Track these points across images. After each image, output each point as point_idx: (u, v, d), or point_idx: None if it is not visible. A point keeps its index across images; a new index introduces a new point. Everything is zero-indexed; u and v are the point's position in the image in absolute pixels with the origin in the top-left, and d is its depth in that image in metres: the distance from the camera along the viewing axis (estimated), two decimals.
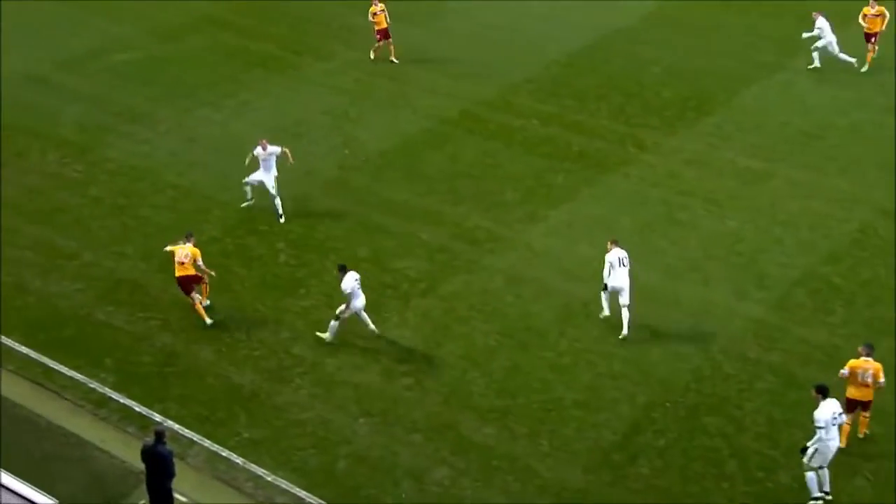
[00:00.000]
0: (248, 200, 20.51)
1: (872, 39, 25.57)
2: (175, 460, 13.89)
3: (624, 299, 17.32)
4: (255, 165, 20.42)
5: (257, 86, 25.67)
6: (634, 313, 17.59)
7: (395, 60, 26.50)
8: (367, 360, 17.19)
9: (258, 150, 20.19)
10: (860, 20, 25.64)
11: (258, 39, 27.89)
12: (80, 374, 16.58)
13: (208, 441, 15.48)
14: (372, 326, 17.39)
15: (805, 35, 25.99)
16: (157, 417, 15.79)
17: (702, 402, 16.35)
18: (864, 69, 25.62)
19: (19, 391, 16.26)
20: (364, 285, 17.69)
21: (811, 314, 18.10)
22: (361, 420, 15.98)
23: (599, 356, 17.29)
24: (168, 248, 17.91)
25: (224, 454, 15.30)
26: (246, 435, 15.64)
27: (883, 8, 25.37)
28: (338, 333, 17.26)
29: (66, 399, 16.15)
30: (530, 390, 16.62)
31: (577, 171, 22.51)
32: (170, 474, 13.74)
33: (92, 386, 16.39)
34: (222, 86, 25.57)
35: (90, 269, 19.00)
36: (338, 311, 17.29)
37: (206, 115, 24.36)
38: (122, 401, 16.14)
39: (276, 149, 20.22)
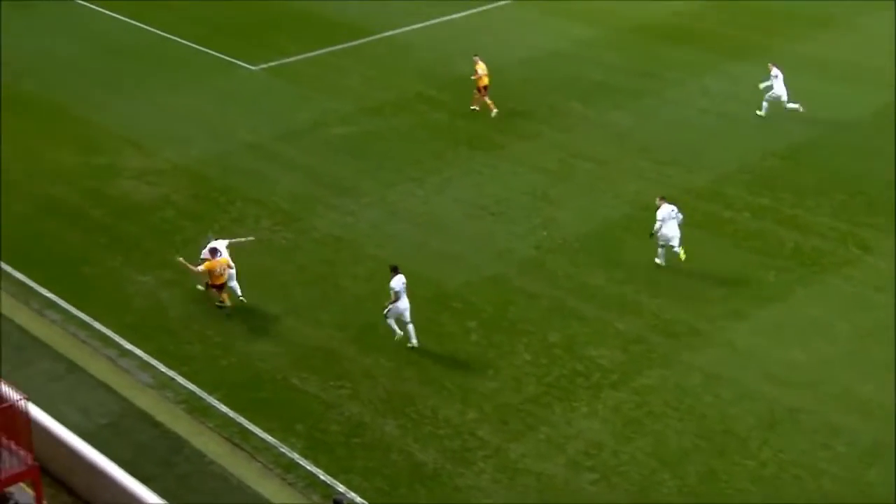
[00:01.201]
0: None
1: None
2: None
3: (675, 243, 21.02)
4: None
5: (461, 163, 26.36)
6: (850, 428, 16.31)
7: (493, 112, 28.23)
8: (553, 449, 16.85)
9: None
10: None
11: (466, 118, 28.73)
12: (273, 437, 17.25)
13: None
14: (413, 340, 18.89)
15: (762, 85, 27.60)
16: (341, 487, 16.11)
17: None
18: None
19: (216, 449, 17.10)
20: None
21: None
22: None
23: (807, 471, 16.09)
24: (203, 267, 19.68)
25: None
26: None
27: None
28: (395, 328, 19.01)
29: (258, 461, 16.80)
30: (726, 499, 15.67)
31: (791, 269, 21.41)
32: None
33: (282, 450, 16.99)
34: (427, 162, 26.45)
35: (289, 334, 19.89)
36: (385, 310, 18.86)
37: (409, 190, 25.21)
38: (308, 468, 16.61)
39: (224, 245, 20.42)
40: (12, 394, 14.68)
